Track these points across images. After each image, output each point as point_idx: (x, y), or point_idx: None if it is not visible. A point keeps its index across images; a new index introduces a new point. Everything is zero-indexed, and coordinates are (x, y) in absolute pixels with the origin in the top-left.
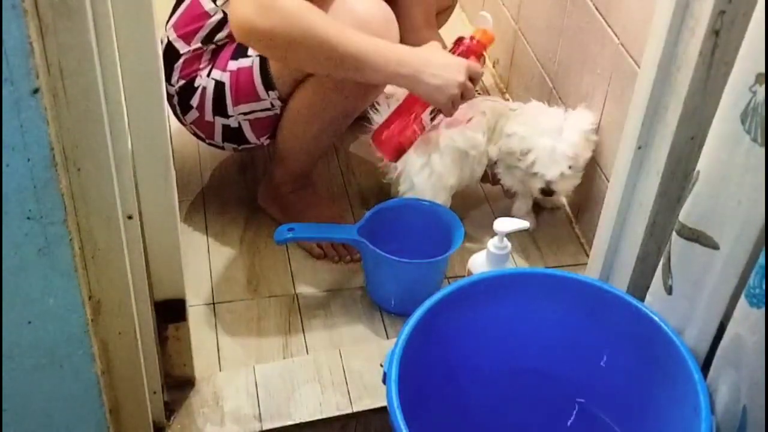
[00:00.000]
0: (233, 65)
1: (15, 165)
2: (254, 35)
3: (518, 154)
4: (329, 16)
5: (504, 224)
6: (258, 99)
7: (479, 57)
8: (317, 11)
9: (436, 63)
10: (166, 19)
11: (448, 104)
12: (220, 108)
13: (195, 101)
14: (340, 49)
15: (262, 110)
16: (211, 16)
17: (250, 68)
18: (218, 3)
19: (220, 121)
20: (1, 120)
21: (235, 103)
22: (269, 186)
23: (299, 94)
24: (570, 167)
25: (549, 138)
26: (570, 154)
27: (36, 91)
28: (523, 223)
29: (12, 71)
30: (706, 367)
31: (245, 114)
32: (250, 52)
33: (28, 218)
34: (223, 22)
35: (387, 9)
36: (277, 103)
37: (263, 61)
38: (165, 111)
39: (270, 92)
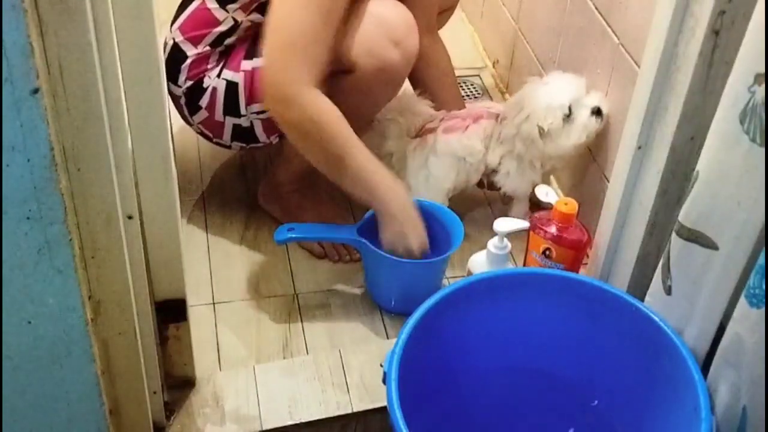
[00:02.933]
0: (247, 65)
1: (15, 165)
2: (277, 119)
3: (515, 115)
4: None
5: (504, 224)
6: None
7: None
8: (339, 124)
9: (410, 226)
10: (169, 19)
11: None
12: (231, 108)
13: (204, 102)
14: (346, 167)
15: None
16: (220, 22)
17: None
18: (229, 10)
19: (231, 120)
20: (1, 120)
21: (249, 102)
22: (271, 185)
23: None
24: (564, 117)
25: (541, 93)
26: (558, 101)
27: (36, 91)
28: (523, 224)
29: (12, 71)
30: (706, 367)
31: (258, 113)
32: None
33: (28, 218)
34: (233, 28)
35: (410, 16)
36: None
37: None
38: (166, 111)
39: None
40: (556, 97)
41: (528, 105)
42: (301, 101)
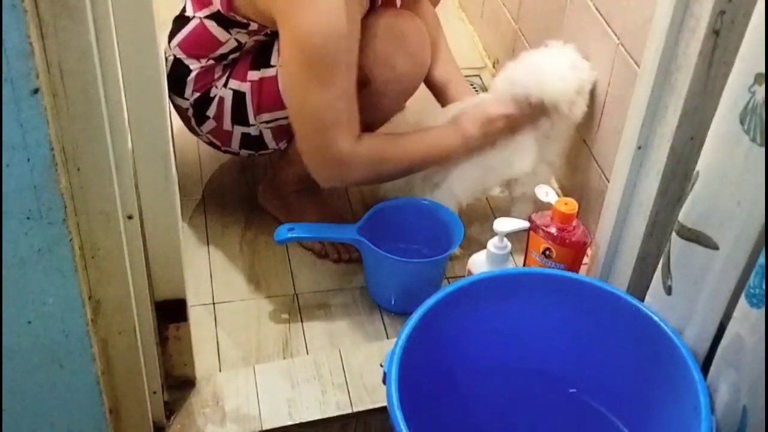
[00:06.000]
0: (254, 75)
1: (15, 165)
2: (349, 182)
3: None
4: (396, 134)
5: (504, 224)
6: (283, 107)
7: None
8: (387, 140)
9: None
10: (169, 19)
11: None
12: (239, 117)
13: (211, 112)
14: (420, 161)
15: (285, 118)
16: (222, 43)
17: (275, 78)
18: (232, 33)
19: (239, 129)
20: (1, 120)
21: (258, 112)
22: (272, 185)
23: None
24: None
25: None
26: (569, 58)
27: (36, 91)
28: (523, 223)
29: (12, 71)
30: (706, 367)
31: (267, 122)
32: (273, 61)
33: (28, 218)
34: (237, 48)
35: (422, 27)
36: None
37: None
38: (166, 111)
39: None
40: (565, 59)
41: (563, 94)
42: (355, 158)
